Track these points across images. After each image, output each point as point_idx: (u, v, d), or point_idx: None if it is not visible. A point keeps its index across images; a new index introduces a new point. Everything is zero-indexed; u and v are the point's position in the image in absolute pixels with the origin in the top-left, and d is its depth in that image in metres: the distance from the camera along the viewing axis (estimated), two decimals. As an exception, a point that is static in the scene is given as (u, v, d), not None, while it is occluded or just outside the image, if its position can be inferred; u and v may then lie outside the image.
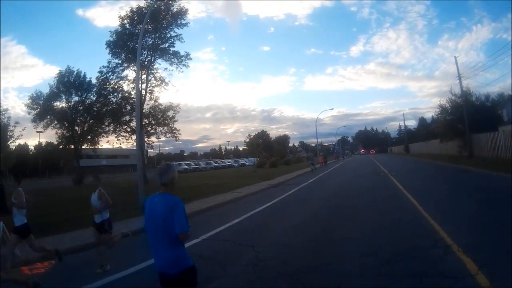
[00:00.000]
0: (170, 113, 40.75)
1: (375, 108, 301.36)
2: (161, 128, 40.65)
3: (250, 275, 6.47)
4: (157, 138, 44.09)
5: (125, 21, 38.42)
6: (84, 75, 46.54)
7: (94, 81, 44.95)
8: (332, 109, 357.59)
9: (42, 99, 44.39)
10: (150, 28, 36.92)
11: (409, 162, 47.76)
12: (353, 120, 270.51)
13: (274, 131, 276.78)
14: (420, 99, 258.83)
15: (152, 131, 39.98)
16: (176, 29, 38.44)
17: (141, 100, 22.39)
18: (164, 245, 3.70)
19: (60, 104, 46.08)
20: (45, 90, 47.46)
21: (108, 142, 45.30)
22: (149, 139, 39.66)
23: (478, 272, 5.50)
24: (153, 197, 3.93)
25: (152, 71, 38.39)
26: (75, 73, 46.22)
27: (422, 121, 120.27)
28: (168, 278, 3.72)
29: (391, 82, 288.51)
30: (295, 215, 12.92)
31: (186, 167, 76.88)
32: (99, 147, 50.61)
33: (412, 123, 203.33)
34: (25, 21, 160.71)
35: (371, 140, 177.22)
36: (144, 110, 36.50)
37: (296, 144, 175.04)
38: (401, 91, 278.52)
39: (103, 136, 46.97)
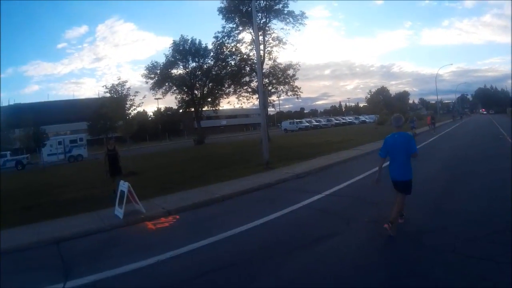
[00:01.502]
0: (290, 72, 40.72)
1: (494, 64, 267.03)
2: (282, 87, 41.03)
3: (372, 232, 6.54)
4: (277, 97, 44.76)
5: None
6: (199, 41, 48.80)
7: (209, 46, 46.73)
8: (451, 64, 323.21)
9: (158, 68, 47.90)
10: (261, -9, 36.66)
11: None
12: (472, 76, 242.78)
13: (394, 87, 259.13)
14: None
15: (273, 90, 40.56)
16: (287, -10, 37.59)
17: (260, 60, 22.88)
18: (403, 163, 6.50)
19: (178, 71, 49.56)
20: (160, 60, 50.94)
21: (229, 103, 47.86)
22: (270, 98, 40.29)
23: None
24: (392, 135, 6.71)
25: (268, 32, 38.51)
26: (189, 41, 48.59)
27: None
28: (402, 184, 6.58)
29: (509, 36, 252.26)
30: (415, 175, 12.21)
31: (307, 124, 77.33)
32: (220, 108, 53.15)
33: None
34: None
35: (491, 99, 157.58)
36: (263, 70, 37.04)
37: (416, 101, 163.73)
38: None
39: (223, 98, 49.28)
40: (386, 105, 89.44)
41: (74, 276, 5.65)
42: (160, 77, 47.43)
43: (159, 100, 61.36)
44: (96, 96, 59.99)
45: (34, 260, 6.80)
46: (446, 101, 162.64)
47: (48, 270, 6.12)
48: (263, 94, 18.06)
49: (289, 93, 41.35)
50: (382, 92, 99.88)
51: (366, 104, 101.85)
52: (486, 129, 36.44)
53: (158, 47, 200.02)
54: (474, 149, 18.89)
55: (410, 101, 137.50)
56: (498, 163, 13.17)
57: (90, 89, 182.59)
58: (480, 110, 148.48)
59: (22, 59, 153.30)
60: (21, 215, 10.48)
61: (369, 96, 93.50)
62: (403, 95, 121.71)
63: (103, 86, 70.33)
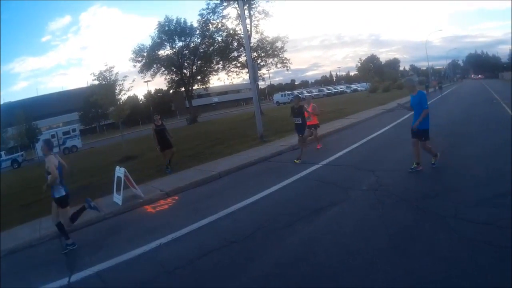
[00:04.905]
0: (279, 44, 40.35)
1: (484, 30, 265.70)
2: (271, 60, 40.69)
3: (371, 199, 6.53)
4: (267, 70, 44.46)
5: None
6: (185, 20, 48.19)
7: (195, 25, 46.14)
8: (441, 30, 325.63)
9: (145, 51, 47.28)
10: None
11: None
12: (462, 42, 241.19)
13: (384, 55, 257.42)
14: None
15: (262, 63, 40.18)
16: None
17: (247, 34, 22.45)
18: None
19: (165, 51, 48.93)
20: (146, 43, 50.18)
21: (219, 79, 48.32)
22: (260, 71, 40.00)
23: None
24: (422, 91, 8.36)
25: (253, 6, 37.89)
26: (174, 20, 47.85)
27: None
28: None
29: (499, 1, 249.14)
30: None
31: (299, 95, 76.89)
32: (210, 85, 53.17)
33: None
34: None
35: (482, 64, 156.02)
36: (251, 44, 36.64)
37: (407, 68, 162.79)
38: (509, 11, 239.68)
39: (213, 75, 49.32)
40: (377, 73, 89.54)
41: (79, 268, 5.67)
42: (148, 59, 46.86)
43: (148, 82, 60.86)
44: (85, 85, 59.28)
45: (38, 257, 6.82)
46: (437, 67, 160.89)
47: (52, 265, 6.13)
48: (253, 68, 17.86)
49: (279, 65, 41.19)
50: (372, 60, 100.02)
51: (357, 72, 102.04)
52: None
53: (145, 30, 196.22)
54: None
55: (401, 68, 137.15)
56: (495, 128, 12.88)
57: (79, 79, 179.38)
58: (471, 76, 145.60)
59: (7, 57, 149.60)
60: (21, 213, 10.40)
61: (359, 64, 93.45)
62: (394, 62, 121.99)
63: (91, 74, 70.05)
